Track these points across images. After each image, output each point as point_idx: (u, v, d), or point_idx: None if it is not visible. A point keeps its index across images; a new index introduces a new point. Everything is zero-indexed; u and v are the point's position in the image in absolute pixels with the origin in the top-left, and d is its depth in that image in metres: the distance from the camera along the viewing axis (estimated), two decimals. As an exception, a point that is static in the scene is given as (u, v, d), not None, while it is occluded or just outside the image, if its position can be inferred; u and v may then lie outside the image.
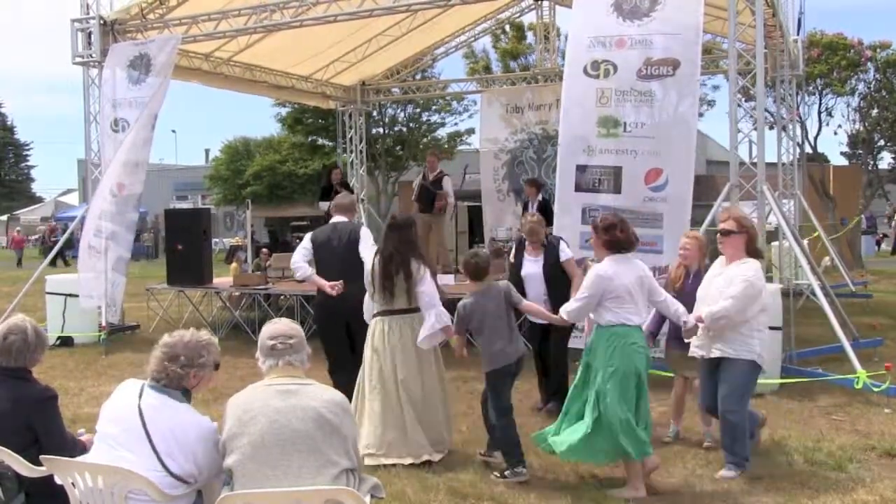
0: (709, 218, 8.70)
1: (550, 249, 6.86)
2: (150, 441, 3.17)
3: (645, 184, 7.95)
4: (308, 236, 6.67)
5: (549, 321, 5.90)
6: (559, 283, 6.73)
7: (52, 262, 25.25)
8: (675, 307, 5.24)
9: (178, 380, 3.29)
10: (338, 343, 6.45)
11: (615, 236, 5.03)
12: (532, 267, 6.90)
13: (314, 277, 6.44)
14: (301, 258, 6.48)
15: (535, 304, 6.06)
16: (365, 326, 5.91)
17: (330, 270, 6.39)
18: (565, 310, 5.24)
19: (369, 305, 5.88)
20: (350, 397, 5.85)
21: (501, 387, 5.39)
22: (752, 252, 5.27)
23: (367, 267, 5.85)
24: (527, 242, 7.03)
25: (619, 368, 4.83)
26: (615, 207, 8.02)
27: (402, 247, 5.65)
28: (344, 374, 6.19)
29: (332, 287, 6.29)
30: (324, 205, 12.84)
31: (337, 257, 6.39)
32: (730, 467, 5.19)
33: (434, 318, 5.48)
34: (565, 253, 6.84)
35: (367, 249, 6.14)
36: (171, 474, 3.17)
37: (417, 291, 5.56)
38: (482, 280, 5.45)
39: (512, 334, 5.41)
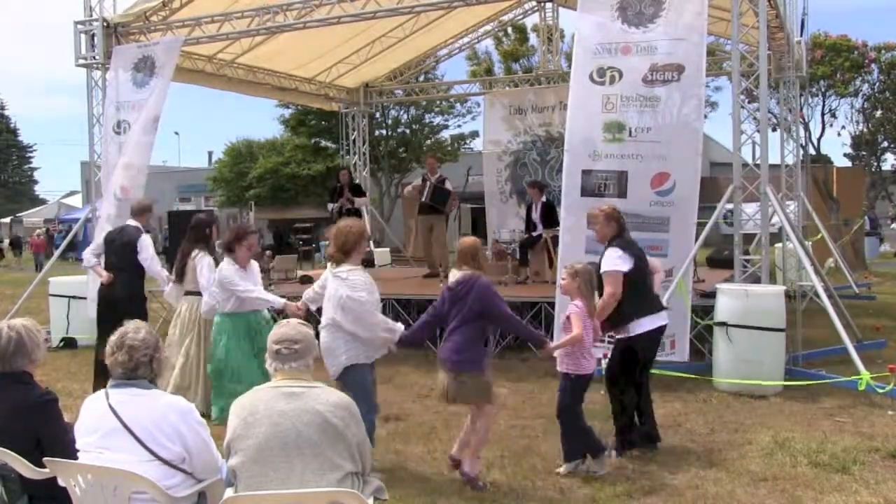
0: (712, 220, 8.70)
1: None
2: (132, 432, 3.18)
3: (651, 188, 7.97)
4: (103, 235, 8.26)
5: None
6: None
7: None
8: None
9: (145, 368, 3.31)
10: (111, 326, 7.21)
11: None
12: None
13: (96, 268, 7.96)
14: (90, 251, 8.11)
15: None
16: (133, 311, 7.00)
17: (109, 264, 7.83)
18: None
19: (173, 291, 7.38)
20: None
21: None
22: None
23: (147, 265, 7.59)
24: None
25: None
26: (621, 211, 8.03)
27: (195, 242, 7.09)
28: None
29: (106, 278, 7.70)
30: (330, 206, 12.84)
31: (116, 254, 7.79)
32: None
33: (207, 296, 6.71)
34: (605, 262, 5.76)
35: (147, 257, 7.61)
36: (162, 460, 3.18)
37: (197, 276, 6.92)
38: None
39: None
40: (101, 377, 7.59)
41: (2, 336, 3.61)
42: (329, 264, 5.43)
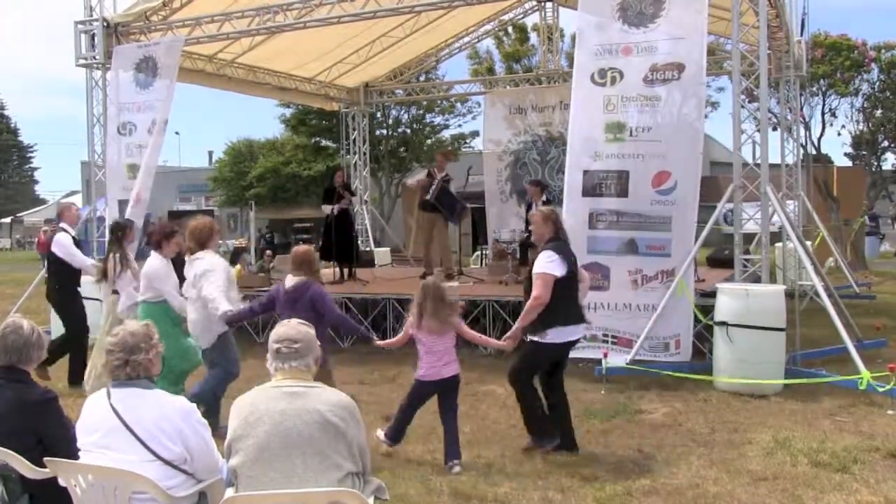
0: (712, 219, 8.70)
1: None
2: (133, 432, 3.20)
3: (652, 187, 7.97)
4: None
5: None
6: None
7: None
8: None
9: (143, 368, 3.33)
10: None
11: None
12: None
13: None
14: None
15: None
16: (63, 304, 8.24)
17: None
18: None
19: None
20: (79, 356, 8.21)
21: None
22: None
23: (70, 260, 8.05)
24: None
25: None
26: (622, 211, 8.05)
27: (121, 246, 7.51)
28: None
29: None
30: (326, 207, 12.81)
31: (48, 256, 8.48)
32: None
33: (124, 297, 7.32)
34: (537, 263, 5.65)
35: (62, 253, 8.09)
36: (163, 460, 3.20)
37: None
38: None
39: None
40: (79, 369, 8.12)
41: (24, 328, 3.66)
42: (188, 258, 6.20)
